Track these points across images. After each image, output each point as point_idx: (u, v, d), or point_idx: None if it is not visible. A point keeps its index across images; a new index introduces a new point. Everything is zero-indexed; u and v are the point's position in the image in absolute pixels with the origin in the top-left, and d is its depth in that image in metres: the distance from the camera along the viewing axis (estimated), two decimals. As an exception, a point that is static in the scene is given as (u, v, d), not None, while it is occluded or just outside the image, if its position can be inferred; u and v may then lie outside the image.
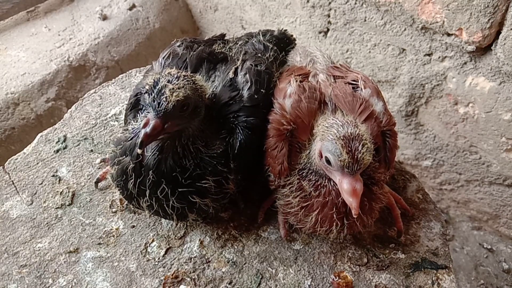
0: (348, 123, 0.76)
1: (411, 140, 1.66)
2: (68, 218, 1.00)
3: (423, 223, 1.02)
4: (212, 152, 0.85)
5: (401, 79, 1.51)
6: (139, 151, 0.78)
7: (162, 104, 0.74)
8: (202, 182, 0.84)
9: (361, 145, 0.73)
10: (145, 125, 0.75)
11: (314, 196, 0.82)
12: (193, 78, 0.80)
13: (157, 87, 0.75)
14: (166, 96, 0.74)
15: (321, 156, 0.77)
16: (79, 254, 0.95)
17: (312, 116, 0.85)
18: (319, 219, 0.82)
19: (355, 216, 0.75)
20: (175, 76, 0.77)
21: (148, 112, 0.77)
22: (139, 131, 0.76)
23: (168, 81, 0.76)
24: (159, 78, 0.77)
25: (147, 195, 0.83)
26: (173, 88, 0.75)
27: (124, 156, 0.84)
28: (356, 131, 0.74)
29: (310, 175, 0.83)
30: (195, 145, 0.84)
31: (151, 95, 0.75)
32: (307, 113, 0.85)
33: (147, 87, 0.77)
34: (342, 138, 0.74)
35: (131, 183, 0.83)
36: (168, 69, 0.80)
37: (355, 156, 0.72)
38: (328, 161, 0.76)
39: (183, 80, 0.77)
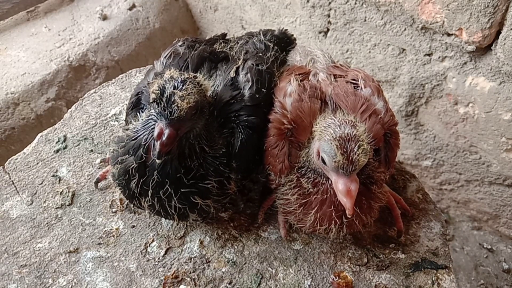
0: (346, 123, 0.76)
1: (411, 140, 1.66)
2: (68, 218, 1.00)
3: (423, 223, 1.02)
4: (215, 153, 0.85)
5: (401, 79, 1.51)
6: (158, 161, 0.78)
7: (174, 112, 0.73)
8: (205, 182, 0.84)
9: (357, 146, 0.72)
10: (159, 135, 0.75)
11: (312, 193, 0.82)
12: (196, 80, 0.80)
13: (165, 95, 0.74)
14: (177, 104, 0.73)
15: (319, 156, 0.77)
16: (79, 254, 0.95)
17: (314, 116, 0.84)
18: (318, 217, 0.83)
19: (349, 216, 0.75)
20: (180, 80, 0.76)
21: (158, 120, 0.76)
22: (155, 143, 0.76)
23: (174, 87, 0.75)
24: (164, 85, 0.75)
25: (150, 195, 0.83)
26: (183, 96, 0.74)
27: (127, 155, 0.84)
28: (353, 131, 0.74)
29: (308, 173, 0.83)
30: (200, 144, 0.83)
31: (161, 104, 0.74)
32: (309, 113, 0.85)
33: (153, 95, 0.76)
34: (338, 139, 0.73)
35: (134, 182, 0.83)
36: (168, 72, 0.79)
37: (350, 158, 0.72)
38: (324, 161, 0.76)
39: (189, 84, 0.76)
